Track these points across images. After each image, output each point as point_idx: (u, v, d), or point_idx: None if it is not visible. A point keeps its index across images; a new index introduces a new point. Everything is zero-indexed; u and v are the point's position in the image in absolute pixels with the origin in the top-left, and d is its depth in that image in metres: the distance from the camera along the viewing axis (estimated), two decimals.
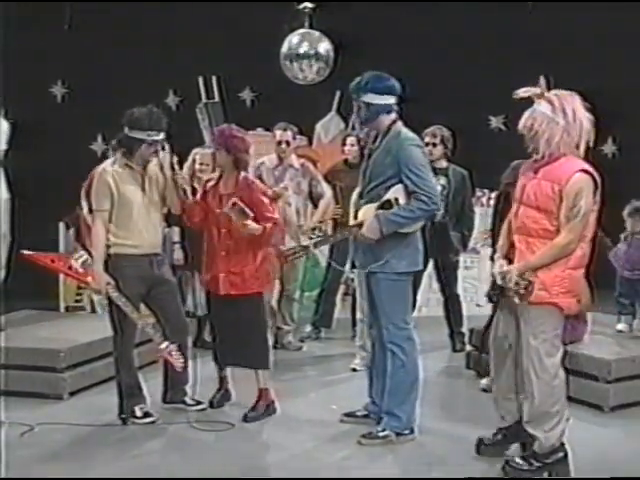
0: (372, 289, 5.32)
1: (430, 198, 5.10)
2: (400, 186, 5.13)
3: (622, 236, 6.72)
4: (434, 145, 7.24)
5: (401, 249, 5.19)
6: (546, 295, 4.52)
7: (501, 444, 4.98)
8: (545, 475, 4.70)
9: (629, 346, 6.25)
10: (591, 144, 4.54)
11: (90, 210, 7.66)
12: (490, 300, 4.88)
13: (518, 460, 4.73)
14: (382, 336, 5.30)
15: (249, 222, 5.49)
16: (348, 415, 5.62)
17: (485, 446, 5.00)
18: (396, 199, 5.13)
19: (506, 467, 4.72)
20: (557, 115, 4.45)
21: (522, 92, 4.55)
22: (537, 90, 4.55)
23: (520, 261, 4.60)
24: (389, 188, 5.15)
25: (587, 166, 4.51)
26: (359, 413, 5.60)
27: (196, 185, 6.02)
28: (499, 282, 4.64)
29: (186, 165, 7.02)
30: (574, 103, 4.50)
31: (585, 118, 4.51)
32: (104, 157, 7.79)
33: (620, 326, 6.73)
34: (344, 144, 7.83)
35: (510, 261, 4.69)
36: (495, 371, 4.96)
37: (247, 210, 5.48)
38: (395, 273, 5.19)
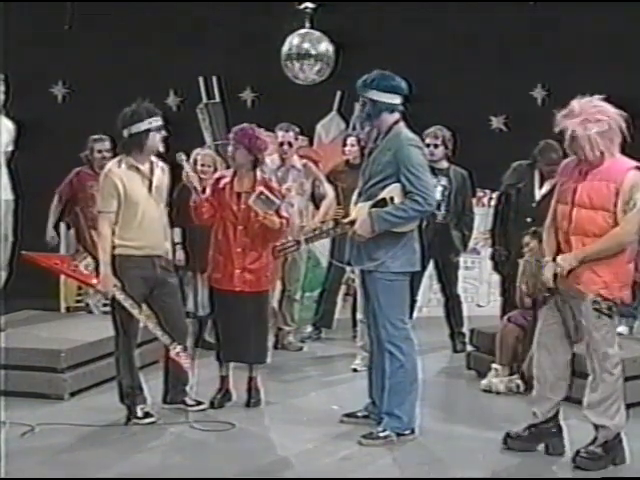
0: (369, 289, 5.32)
1: (425, 199, 5.09)
2: (397, 185, 5.13)
3: None
4: (435, 146, 7.23)
5: (396, 249, 5.18)
6: (607, 293, 4.72)
7: (529, 440, 5.04)
8: (610, 464, 4.81)
9: (630, 347, 6.24)
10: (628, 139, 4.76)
11: (68, 212, 7.78)
12: (544, 301, 5.03)
13: (591, 449, 4.82)
14: (380, 336, 5.30)
15: (272, 213, 5.56)
16: (348, 415, 5.62)
17: (512, 439, 5.06)
18: (391, 198, 5.13)
19: (578, 458, 4.81)
20: (590, 129, 4.62)
21: (558, 129, 4.74)
22: (569, 120, 4.68)
23: None
24: (386, 187, 5.15)
25: (638, 163, 4.74)
26: (360, 414, 5.59)
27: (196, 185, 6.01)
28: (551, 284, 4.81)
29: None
30: (603, 109, 4.69)
31: (618, 117, 4.71)
32: (88, 161, 7.82)
33: (620, 328, 6.73)
34: (345, 145, 7.82)
35: None
36: (539, 368, 5.04)
37: (273, 199, 5.57)
38: (391, 273, 5.18)
